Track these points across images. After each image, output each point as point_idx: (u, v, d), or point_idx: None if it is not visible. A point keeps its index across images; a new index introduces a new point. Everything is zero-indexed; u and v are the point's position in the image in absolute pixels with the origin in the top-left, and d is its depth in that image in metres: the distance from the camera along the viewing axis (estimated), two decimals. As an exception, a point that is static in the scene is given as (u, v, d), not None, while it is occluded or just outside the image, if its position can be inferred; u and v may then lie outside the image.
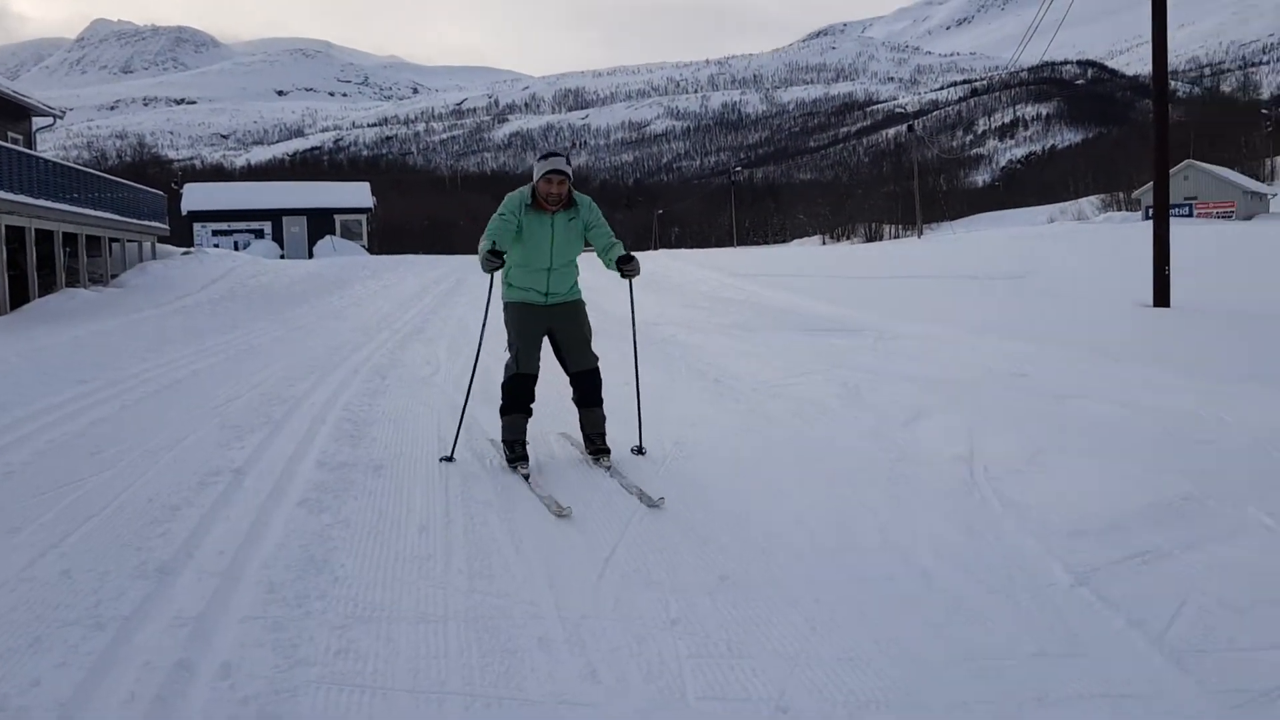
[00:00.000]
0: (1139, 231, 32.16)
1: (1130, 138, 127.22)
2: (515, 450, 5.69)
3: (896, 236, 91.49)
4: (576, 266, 5.90)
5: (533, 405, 5.80)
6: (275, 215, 49.20)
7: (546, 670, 3.16)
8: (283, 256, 41.86)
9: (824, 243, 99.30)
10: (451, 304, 18.42)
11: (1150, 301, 14.85)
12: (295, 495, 5.07)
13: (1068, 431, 6.23)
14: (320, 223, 49.16)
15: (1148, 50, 18.63)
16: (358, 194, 53.30)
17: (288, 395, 8.17)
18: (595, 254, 5.89)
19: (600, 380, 5.89)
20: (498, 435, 5.99)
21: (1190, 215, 63.39)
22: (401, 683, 3.07)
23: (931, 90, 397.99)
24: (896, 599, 3.72)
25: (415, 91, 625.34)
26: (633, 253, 5.83)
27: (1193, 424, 6.26)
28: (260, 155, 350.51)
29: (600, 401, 5.87)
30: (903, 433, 6.38)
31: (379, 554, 4.24)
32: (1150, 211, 20.01)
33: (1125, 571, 3.87)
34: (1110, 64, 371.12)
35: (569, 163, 5.72)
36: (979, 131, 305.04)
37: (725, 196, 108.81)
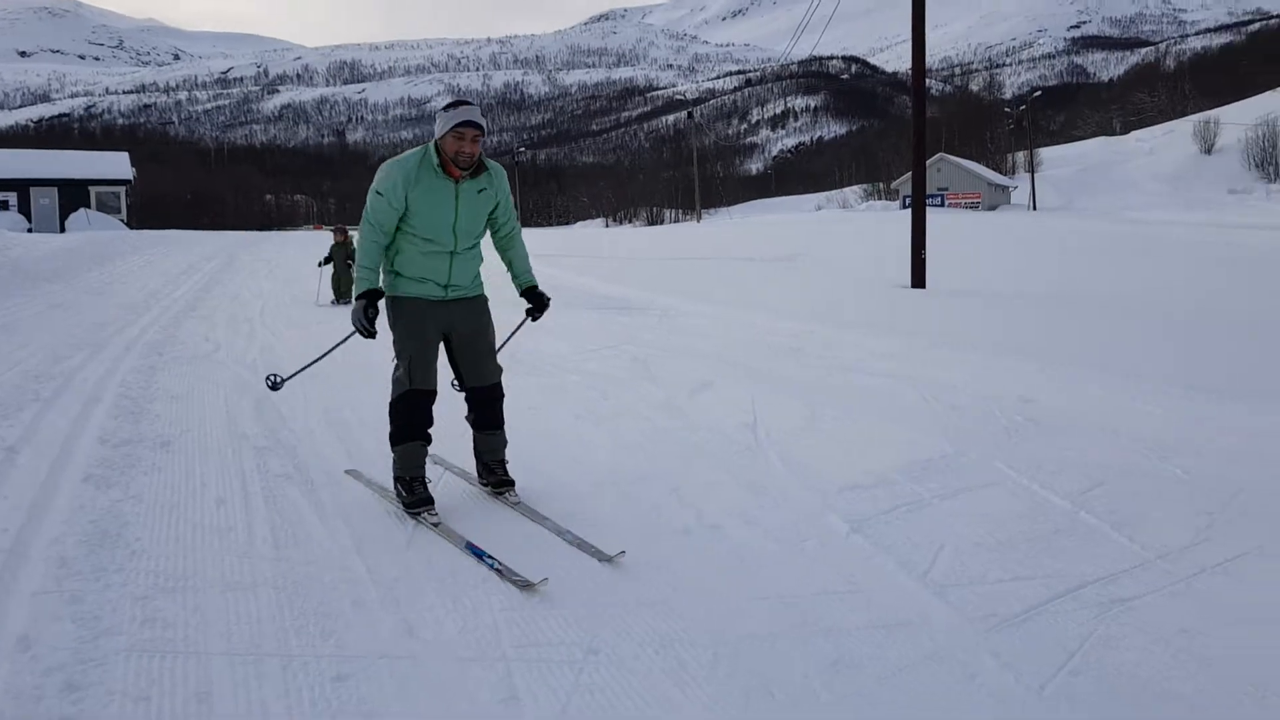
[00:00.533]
0: (898, 219, 34.39)
1: (890, 131, 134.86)
2: (416, 491, 4.40)
3: (677, 221, 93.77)
4: (480, 251, 4.61)
5: (432, 431, 4.49)
6: (21, 185, 45.17)
7: (365, 628, 3.23)
8: (30, 230, 38.60)
9: (607, 225, 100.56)
10: (225, 280, 17.65)
11: (908, 283, 15.99)
12: (78, 472, 4.85)
13: (838, 399, 6.75)
14: (73, 195, 45.54)
15: (906, 49, 19.98)
16: (116, 164, 49.68)
17: (55, 373, 7.70)
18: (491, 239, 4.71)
19: (503, 395, 4.67)
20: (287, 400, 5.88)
21: (942, 205, 68.12)
22: (215, 647, 3.07)
23: (709, 79, 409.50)
24: (692, 550, 3.99)
25: (176, 58, 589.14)
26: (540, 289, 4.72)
27: (946, 391, 6.92)
28: (1, 121, 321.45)
29: (502, 423, 4.68)
30: (690, 403, 6.73)
31: (177, 527, 4.15)
32: (908, 200, 21.46)
33: (893, 520, 4.29)
34: (872, 60, 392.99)
35: (484, 114, 4.39)
36: (753, 121, 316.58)
37: (509, 177, 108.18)
